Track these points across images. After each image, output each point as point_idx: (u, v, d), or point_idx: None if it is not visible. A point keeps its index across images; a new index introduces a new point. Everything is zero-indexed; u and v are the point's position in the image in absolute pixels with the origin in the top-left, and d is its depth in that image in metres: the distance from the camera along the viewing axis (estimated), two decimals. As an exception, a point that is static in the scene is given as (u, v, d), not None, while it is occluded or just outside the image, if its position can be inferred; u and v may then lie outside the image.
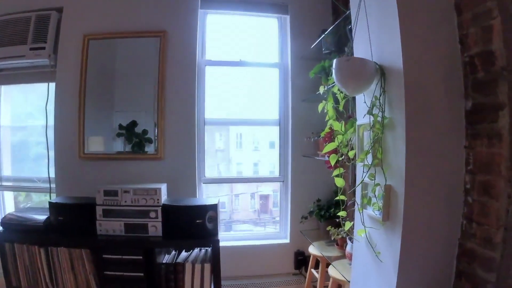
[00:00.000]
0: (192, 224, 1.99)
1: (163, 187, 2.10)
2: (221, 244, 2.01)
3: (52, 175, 2.43)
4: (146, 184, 2.14)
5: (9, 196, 2.72)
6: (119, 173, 2.41)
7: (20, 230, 2.03)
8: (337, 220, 1.67)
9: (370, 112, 1.29)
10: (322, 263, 2.23)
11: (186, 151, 2.50)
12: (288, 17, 2.70)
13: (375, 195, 1.31)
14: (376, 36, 1.34)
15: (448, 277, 1.25)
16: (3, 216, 2.16)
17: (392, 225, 1.25)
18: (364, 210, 1.40)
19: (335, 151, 1.56)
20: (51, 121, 2.43)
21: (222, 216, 3.19)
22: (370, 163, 1.30)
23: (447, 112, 1.22)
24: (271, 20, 2.83)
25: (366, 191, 1.40)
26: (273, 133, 2.85)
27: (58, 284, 2.02)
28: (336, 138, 1.52)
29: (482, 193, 1.13)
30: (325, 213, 2.45)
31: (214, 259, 1.99)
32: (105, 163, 2.43)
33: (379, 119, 1.26)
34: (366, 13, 1.38)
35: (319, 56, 2.39)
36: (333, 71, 1.26)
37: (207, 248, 2.17)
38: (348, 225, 1.43)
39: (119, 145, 2.45)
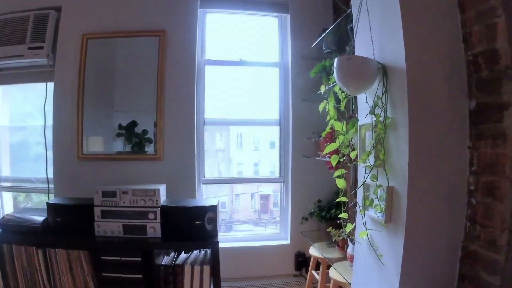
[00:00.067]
0: (191, 226, 1.97)
1: (162, 188, 2.09)
2: (221, 245, 2.00)
3: (51, 175, 2.41)
4: (145, 185, 2.12)
5: (7, 196, 2.70)
6: (118, 173, 2.40)
7: (18, 231, 2.02)
8: (338, 221, 1.65)
9: (372, 112, 1.27)
10: (323, 265, 2.21)
11: (185, 151, 2.49)
12: (288, 16, 2.68)
13: (377, 197, 1.29)
14: (378, 35, 1.32)
15: (451, 280, 1.23)
16: (1, 217, 2.15)
17: (395, 227, 1.23)
18: (366, 212, 1.38)
19: (336, 151, 1.53)
20: (50, 121, 2.42)
21: (223, 216, 3.18)
22: (372, 164, 1.28)
23: (451, 112, 1.20)
24: (271, 19, 2.81)
25: (368, 193, 1.38)
26: (274, 133, 2.83)
27: (56, 286, 2.00)
28: (337, 138, 1.50)
29: (486, 195, 1.11)
30: (326, 214, 2.43)
31: (214, 261, 1.97)
32: (104, 163, 2.41)
33: (381, 119, 1.24)
34: (368, 11, 1.36)
35: (320, 55, 2.38)
36: (334, 70, 1.24)
37: (206, 249, 2.15)
38: (349, 227, 1.41)
39: (119, 145, 2.44)
